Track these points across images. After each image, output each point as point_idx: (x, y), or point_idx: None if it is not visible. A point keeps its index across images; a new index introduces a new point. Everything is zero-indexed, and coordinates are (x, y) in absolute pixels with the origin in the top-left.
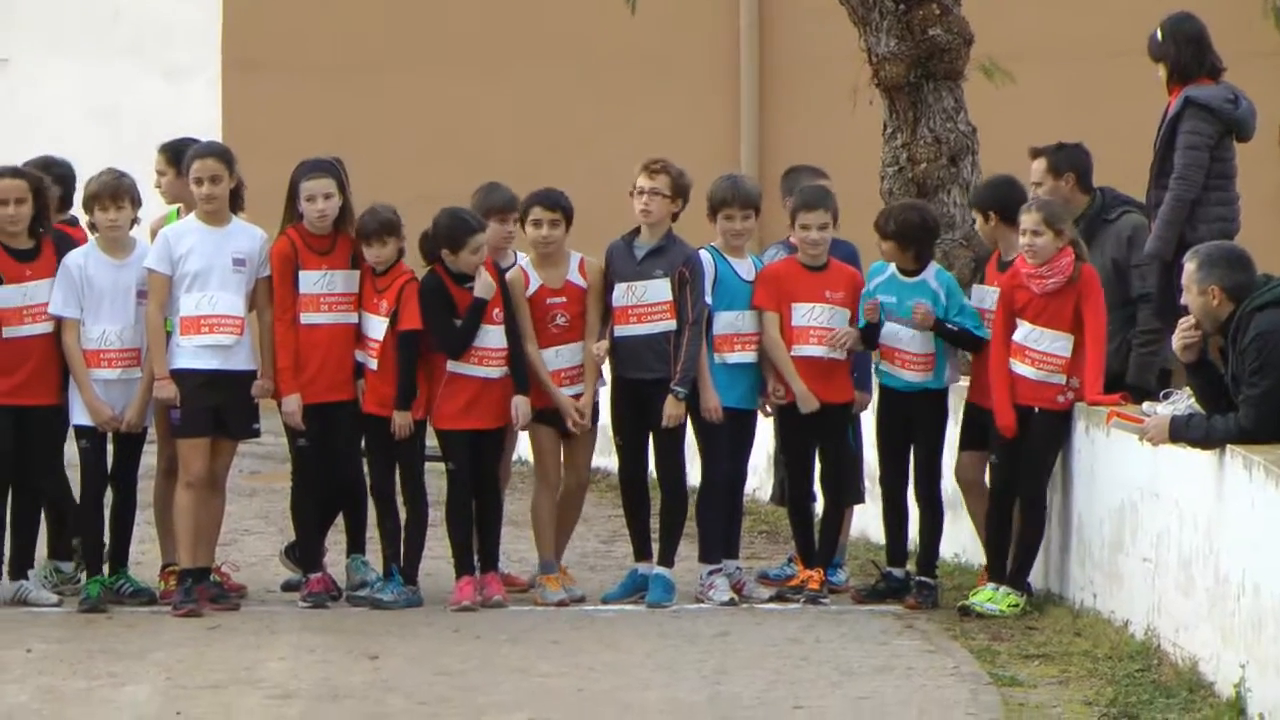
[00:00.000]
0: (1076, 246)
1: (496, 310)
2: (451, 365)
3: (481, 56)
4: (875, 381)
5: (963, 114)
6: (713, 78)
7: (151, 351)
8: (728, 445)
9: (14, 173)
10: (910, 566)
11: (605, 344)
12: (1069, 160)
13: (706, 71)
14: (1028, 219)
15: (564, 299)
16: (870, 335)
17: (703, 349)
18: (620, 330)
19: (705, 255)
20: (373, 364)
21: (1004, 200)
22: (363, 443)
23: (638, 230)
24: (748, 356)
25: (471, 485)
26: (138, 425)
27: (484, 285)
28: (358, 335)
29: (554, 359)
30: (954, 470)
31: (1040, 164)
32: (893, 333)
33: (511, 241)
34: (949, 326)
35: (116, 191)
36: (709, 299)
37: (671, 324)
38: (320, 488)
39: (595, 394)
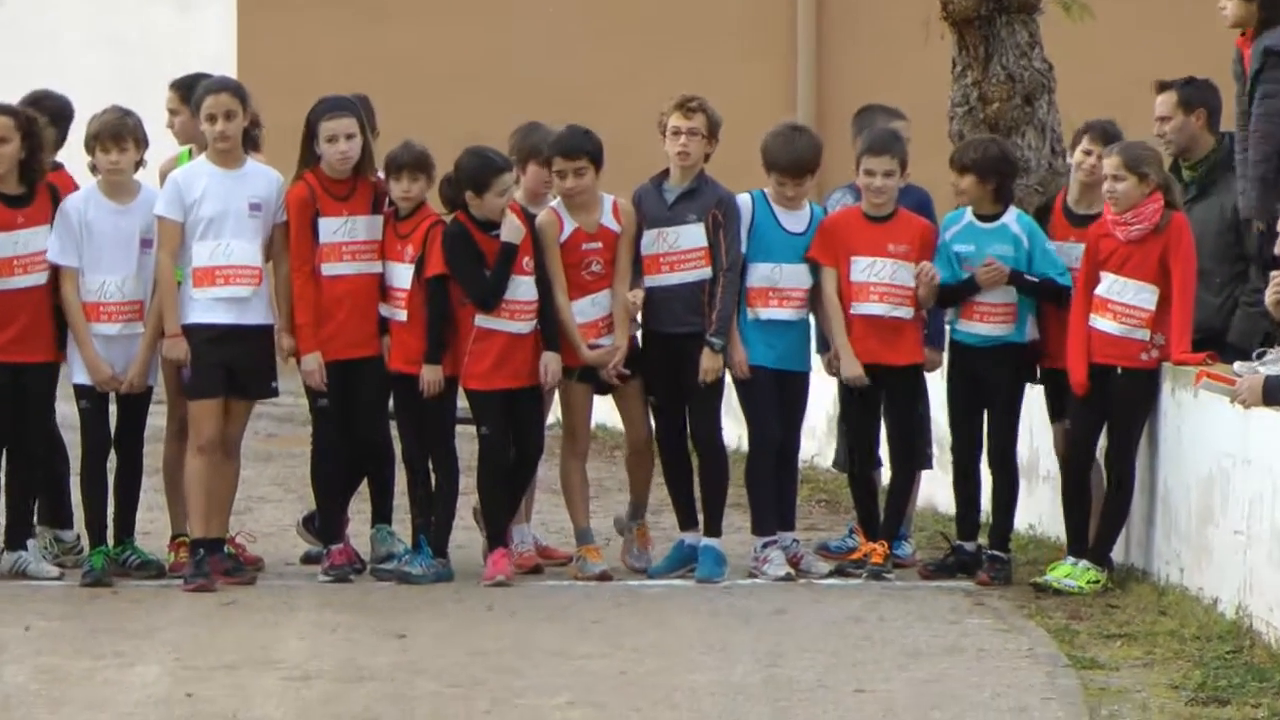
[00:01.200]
0: (1167, 193)
1: (526, 259)
2: (479, 320)
3: None
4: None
5: (1038, 50)
6: (766, 8)
7: (163, 305)
8: (775, 407)
9: (2, 108)
10: (982, 540)
11: (640, 293)
12: (1200, 96)
13: (760, 7)
14: (1108, 163)
15: (599, 244)
16: (949, 294)
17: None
18: (651, 280)
19: (745, 198)
20: (400, 315)
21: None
22: (389, 403)
23: (666, 172)
24: (784, 313)
25: (506, 450)
26: (141, 385)
27: (512, 229)
28: (381, 286)
29: (589, 309)
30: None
31: (1169, 98)
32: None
33: (551, 187)
34: (1028, 278)
35: (119, 132)
36: (743, 245)
37: (707, 271)
38: (343, 452)
39: (633, 343)
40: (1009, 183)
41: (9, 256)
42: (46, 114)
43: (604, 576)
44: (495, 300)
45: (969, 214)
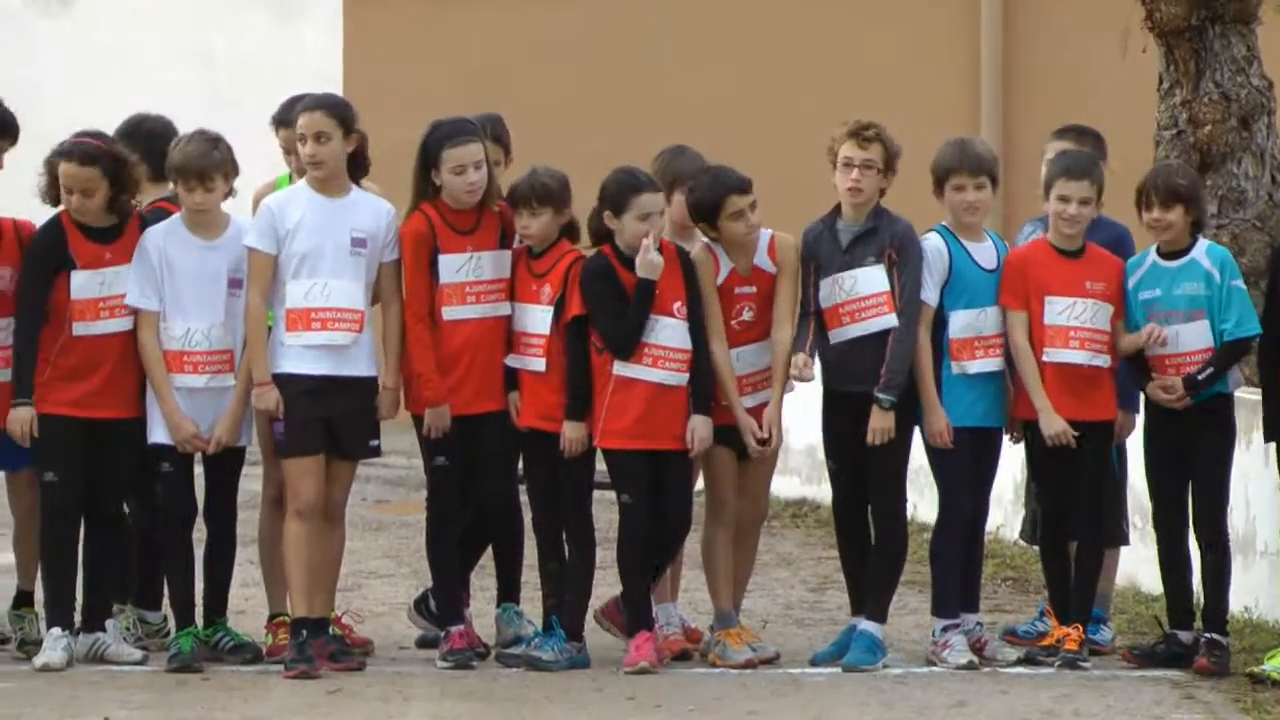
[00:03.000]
0: None
1: (678, 303)
2: (618, 368)
3: None
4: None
5: (1256, 65)
6: (945, 17)
7: (250, 349)
8: (971, 476)
9: (84, 157)
10: (1197, 624)
11: (804, 357)
12: None
13: (937, 10)
14: None
15: (752, 288)
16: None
17: (923, 349)
18: (833, 334)
19: (935, 240)
20: (534, 365)
21: None
22: (518, 465)
23: (838, 209)
24: (992, 364)
25: (649, 520)
26: (230, 443)
27: (647, 263)
28: (509, 332)
29: (735, 363)
30: None
31: None
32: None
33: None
34: (1201, 378)
35: (204, 169)
36: (931, 293)
37: (892, 319)
38: (464, 520)
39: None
40: (1201, 211)
41: (94, 298)
42: (144, 140)
43: (749, 664)
44: (630, 345)
45: (1152, 254)
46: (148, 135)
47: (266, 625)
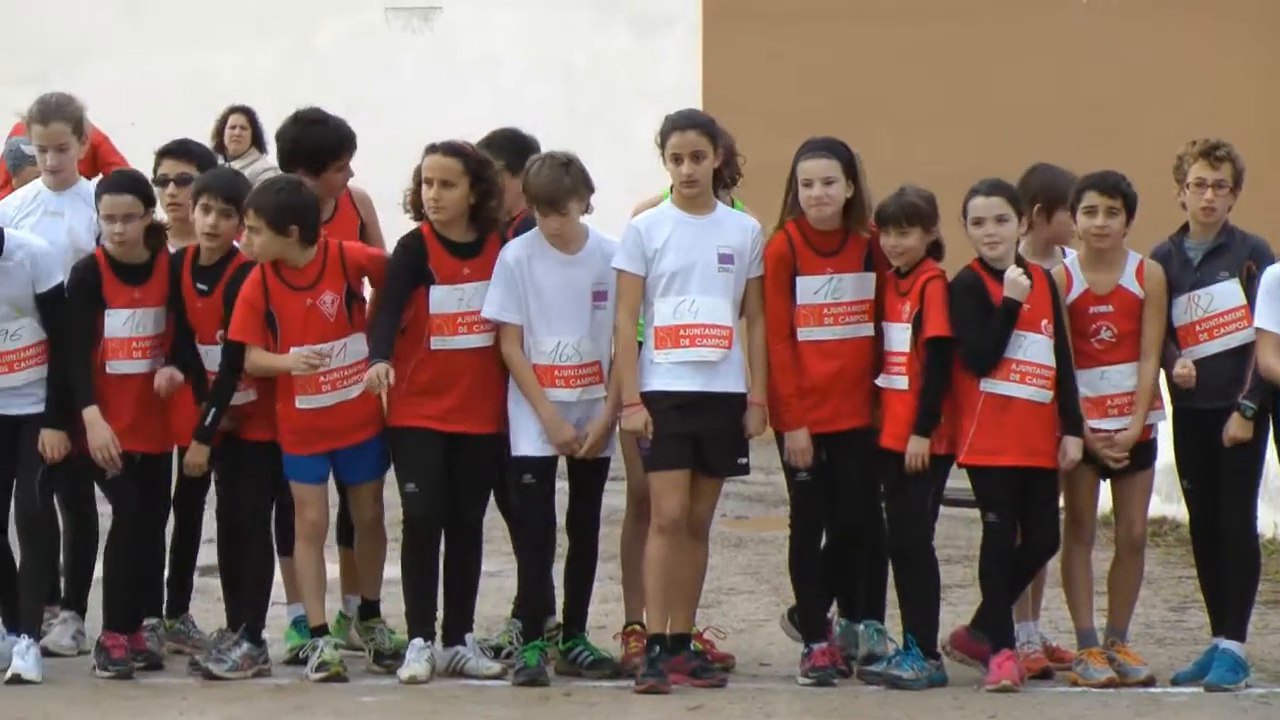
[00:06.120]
0: None
1: (1045, 320)
2: (986, 384)
3: None
4: None
5: None
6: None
7: (621, 371)
8: None
9: (449, 149)
10: None
11: (1190, 366)
12: None
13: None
14: None
15: (1109, 307)
16: None
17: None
18: (1187, 352)
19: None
20: (899, 383)
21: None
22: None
23: (1185, 228)
24: None
25: (1013, 537)
26: (600, 448)
27: (1013, 283)
28: (876, 350)
29: (1098, 383)
30: None
31: None
32: None
33: (1068, 240)
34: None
35: (556, 197)
36: None
37: (1251, 331)
38: (825, 533)
39: (1147, 427)
40: None
41: (453, 313)
42: (505, 157)
43: (1111, 683)
44: (988, 361)
45: None
46: (509, 150)
47: (621, 634)
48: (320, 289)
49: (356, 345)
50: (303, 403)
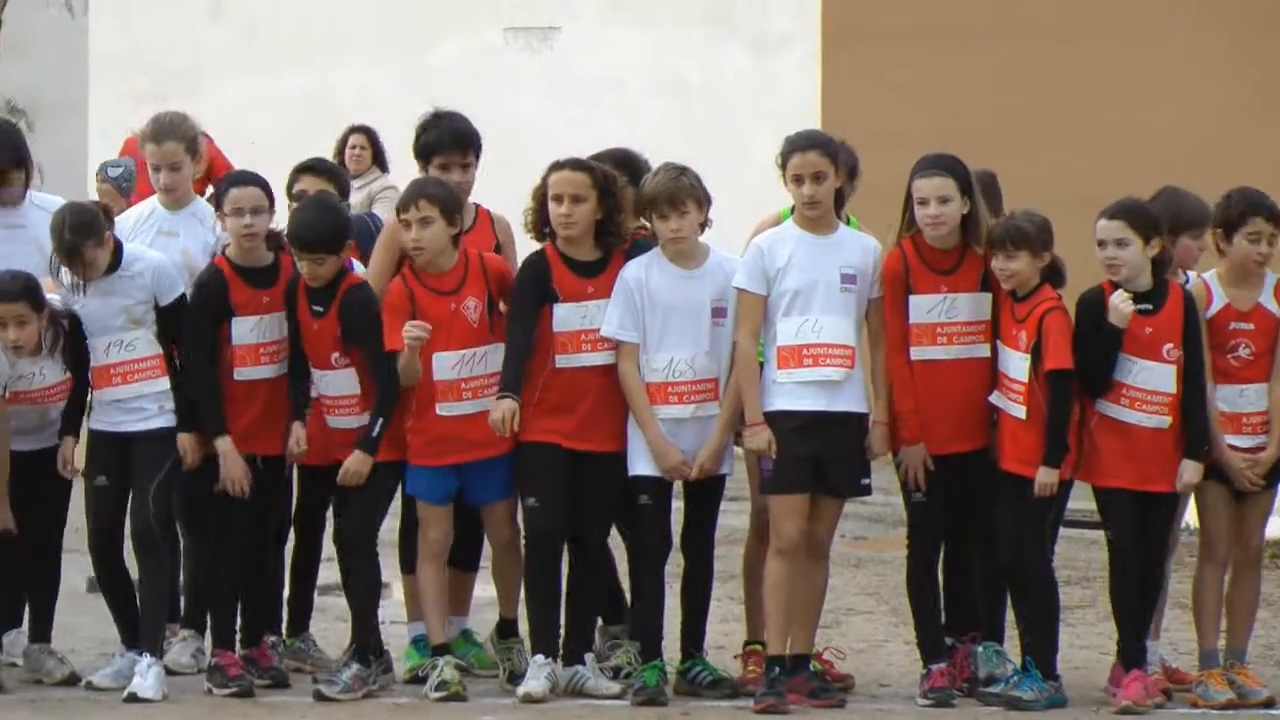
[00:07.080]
0: None
1: (1169, 345)
2: (1101, 406)
3: (1128, 18)
4: None
5: None
6: None
7: (742, 389)
8: None
9: (577, 164)
10: None
11: None
12: None
13: None
14: None
15: (1250, 325)
16: None
17: None
18: None
19: None
20: (1016, 410)
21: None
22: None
23: None
24: None
25: (1137, 557)
26: (712, 471)
27: (1114, 309)
28: (993, 373)
29: (1237, 399)
30: None
31: None
32: None
33: (1191, 265)
34: None
35: (674, 196)
36: None
37: None
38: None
39: None
40: None
41: (575, 330)
42: (623, 170)
43: (1231, 704)
44: (1094, 385)
45: None
46: (622, 168)
47: (739, 654)
48: (464, 294)
49: (498, 355)
50: (444, 409)
